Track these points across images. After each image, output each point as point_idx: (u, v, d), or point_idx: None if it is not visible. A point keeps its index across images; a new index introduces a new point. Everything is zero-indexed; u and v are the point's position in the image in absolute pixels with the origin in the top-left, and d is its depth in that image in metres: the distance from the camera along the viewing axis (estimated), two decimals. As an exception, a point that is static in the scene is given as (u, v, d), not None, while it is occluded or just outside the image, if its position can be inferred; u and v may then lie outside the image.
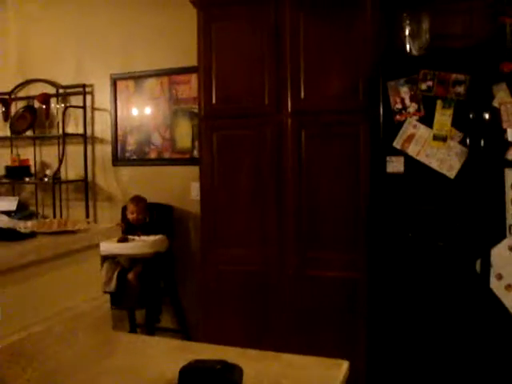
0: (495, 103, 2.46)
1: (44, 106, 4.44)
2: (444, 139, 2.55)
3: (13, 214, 4.17)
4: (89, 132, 4.46)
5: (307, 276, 2.95)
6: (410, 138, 2.61)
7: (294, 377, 1.32)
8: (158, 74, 4.15)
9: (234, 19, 3.07)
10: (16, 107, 4.67)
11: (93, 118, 4.47)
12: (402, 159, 2.63)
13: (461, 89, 2.52)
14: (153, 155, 4.25)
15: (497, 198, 2.47)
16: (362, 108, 2.80)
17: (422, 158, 2.60)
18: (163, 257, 3.81)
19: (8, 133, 4.64)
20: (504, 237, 2.47)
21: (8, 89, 4.65)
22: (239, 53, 3.04)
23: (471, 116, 2.51)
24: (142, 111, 4.26)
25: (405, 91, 2.62)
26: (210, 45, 3.09)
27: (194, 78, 3.80)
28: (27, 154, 4.65)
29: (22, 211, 4.35)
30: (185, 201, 4.05)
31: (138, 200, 3.89)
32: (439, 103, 2.56)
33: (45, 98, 4.42)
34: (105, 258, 3.58)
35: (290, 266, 2.98)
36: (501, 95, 2.46)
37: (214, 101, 3.11)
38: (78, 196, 4.52)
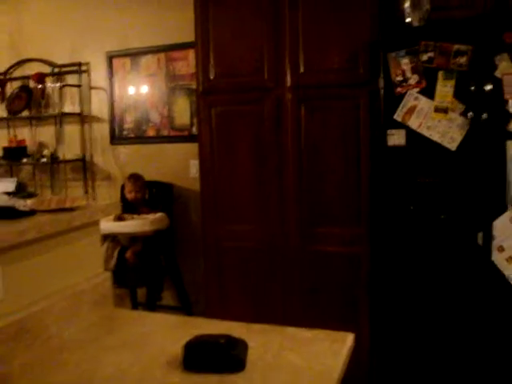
0: (497, 74, 2.43)
1: (39, 86, 4.39)
2: (445, 111, 2.52)
3: (12, 196, 4.16)
4: (86, 111, 4.43)
5: (309, 251, 2.94)
6: (411, 110, 2.58)
7: (300, 350, 1.32)
8: (154, 50, 4.10)
9: (231, -8, 3.02)
10: (12, 87, 4.62)
11: (89, 96, 4.43)
12: (403, 132, 2.60)
13: (463, 59, 2.48)
14: (151, 133, 4.22)
15: (498, 170, 2.46)
16: (362, 81, 2.77)
17: (423, 131, 2.57)
18: (164, 235, 3.81)
19: (4, 114, 4.60)
20: (505, 209, 2.46)
21: (2, 69, 4.59)
22: (237, 26, 2.99)
23: (473, 88, 2.48)
24: (139, 89, 4.22)
25: (405, 63, 2.58)
26: (207, 18, 3.03)
27: (191, 54, 3.75)
28: (23, 134, 4.61)
29: (21, 192, 4.34)
30: (184, 178, 4.04)
31: (135, 178, 3.87)
32: (441, 74, 2.52)
33: (40, 78, 4.37)
34: (106, 237, 3.58)
35: (292, 241, 2.97)
36: (503, 66, 2.42)
37: (211, 76, 3.06)
38: (77, 176, 4.50)
